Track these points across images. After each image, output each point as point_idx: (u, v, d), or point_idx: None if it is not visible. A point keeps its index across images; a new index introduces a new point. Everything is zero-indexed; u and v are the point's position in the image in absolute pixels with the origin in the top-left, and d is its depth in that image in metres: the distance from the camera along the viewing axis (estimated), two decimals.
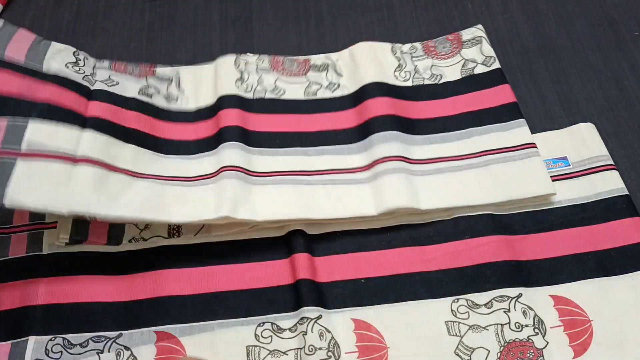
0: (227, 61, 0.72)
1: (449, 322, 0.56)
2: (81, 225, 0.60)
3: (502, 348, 0.54)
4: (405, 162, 0.63)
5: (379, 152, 0.64)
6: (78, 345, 0.55)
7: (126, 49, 0.78)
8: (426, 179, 0.63)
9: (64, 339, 0.55)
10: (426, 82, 0.71)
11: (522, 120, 0.67)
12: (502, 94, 0.69)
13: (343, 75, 0.72)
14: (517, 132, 0.66)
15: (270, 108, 0.69)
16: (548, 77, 0.73)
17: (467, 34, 0.74)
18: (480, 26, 0.75)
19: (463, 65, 0.72)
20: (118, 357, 0.55)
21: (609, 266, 0.58)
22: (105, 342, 0.55)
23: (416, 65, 0.73)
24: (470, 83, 0.71)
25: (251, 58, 0.73)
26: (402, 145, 0.65)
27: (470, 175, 0.63)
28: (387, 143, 0.64)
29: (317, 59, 0.74)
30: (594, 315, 0.56)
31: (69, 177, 0.55)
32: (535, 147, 0.64)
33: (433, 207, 0.61)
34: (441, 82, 0.71)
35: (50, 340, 0.55)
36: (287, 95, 0.70)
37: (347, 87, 0.71)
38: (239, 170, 0.62)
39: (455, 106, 0.69)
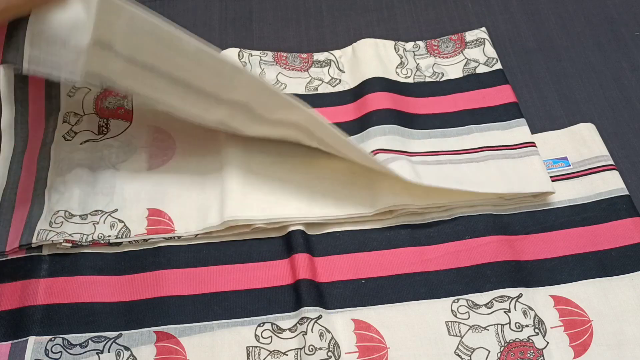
0: (230, 55, 0.72)
1: (449, 323, 0.56)
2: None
3: (502, 348, 0.54)
4: (404, 155, 0.63)
5: (375, 144, 0.64)
6: (78, 346, 0.55)
7: None
8: (424, 168, 0.63)
9: (63, 339, 0.55)
10: (427, 79, 0.72)
11: (522, 120, 0.67)
12: (503, 94, 0.69)
13: (345, 71, 0.73)
14: (517, 131, 0.66)
15: None
16: (548, 77, 0.73)
17: (470, 35, 0.75)
18: (484, 29, 0.75)
19: (465, 65, 0.72)
20: (118, 358, 0.55)
21: (610, 266, 0.58)
22: (105, 342, 0.55)
23: (418, 63, 0.73)
24: (472, 82, 0.71)
25: (254, 52, 0.73)
26: (400, 138, 0.65)
27: (469, 168, 0.63)
28: (384, 136, 0.64)
29: (320, 55, 0.74)
30: (594, 315, 0.56)
31: None
32: (535, 146, 0.64)
33: (430, 203, 0.61)
34: (442, 79, 0.72)
35: (50, 340, 0.55)
36: (288, 90, 0.71)
37: (348, 82, 0.72)
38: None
39: (456, 103, 0.69)
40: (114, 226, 0.61)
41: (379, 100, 0.68)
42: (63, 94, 0.69)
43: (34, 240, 0.58)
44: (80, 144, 0.66)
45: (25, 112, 0.67)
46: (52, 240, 0.59)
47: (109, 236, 0.60)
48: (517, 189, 0.61)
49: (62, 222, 0.60)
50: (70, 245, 0.60)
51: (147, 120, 0.69)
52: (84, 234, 0.60)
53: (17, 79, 0.66)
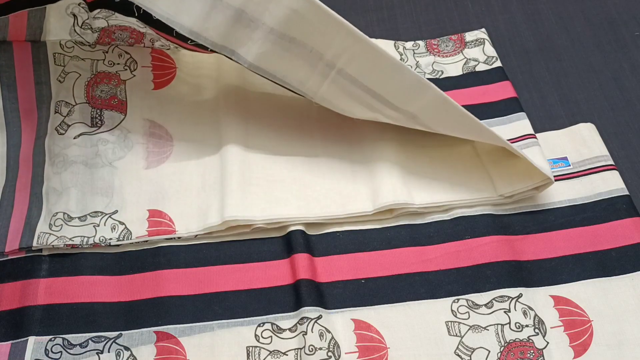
0: None
1: (449, 323, 0.56)
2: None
3: (502, 348, 0.54)
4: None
5: None
6: (78, 346, 0.55)
7: None
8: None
9: (63, 339, 0.55)
10: (427, 76, 0.72)
11: (523, 114, 0.67)
12: (502, 90, 0.69)
13: None
14: (517, 124, 0.66)
15: None
16: (548, 77, 0.73)
17: (470, 35, 0.75)
18: (484, 30, 0.75)
19: (465, 63, 0.72)
20: (118, 358, 0.54)
21: (609, 266, 0.58)
22: (105, 342, 0.55)
23: (418, 61, 0.73)
24: (472, 79, 0.71)
25: None
26: None
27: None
28: None
29: None
30: (594, 315, 0.56)
31: None
32: (535, 137, 0.64)
33: (428, 202, 0.61)
34: (442, 77, 0.72)
35: (50, 340, 0.55)
36: None
37: None
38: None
39: (456, 100, 0.69)
40: (114, 228, 0.61)
41: None
42: (53, 79, 0.68)
43: (34, 244, 0.58)
44: (74, 137, 0.66)
45: (15, 98, 0.66)
46: (53, 245, 0.59)
47: (110, 239, 0.60)
48: (515, 182, 0.61)
49: (62, 224, 0.60)
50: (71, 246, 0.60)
51: (141, 113, 0.68)
52: (84, 237, 0.60)
53: (2, 61, 0.65)
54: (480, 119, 0.67)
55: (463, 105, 0.68)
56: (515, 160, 0.62)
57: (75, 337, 0.55)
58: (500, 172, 0.63)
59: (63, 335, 0.55)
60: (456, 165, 0.64)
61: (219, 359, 0.55)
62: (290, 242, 0.60)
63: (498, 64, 0.72)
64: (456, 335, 0.55)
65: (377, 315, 0.57)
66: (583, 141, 0.66)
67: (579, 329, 0.55)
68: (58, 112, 0.66)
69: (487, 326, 0.55)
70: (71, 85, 0.68)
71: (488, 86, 0.70)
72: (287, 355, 0.55)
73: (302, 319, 0.55)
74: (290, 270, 0.59)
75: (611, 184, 0.63)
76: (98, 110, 0.67)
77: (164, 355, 0.55)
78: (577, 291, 0.57)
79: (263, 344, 0.55)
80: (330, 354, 0.54)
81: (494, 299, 0.57)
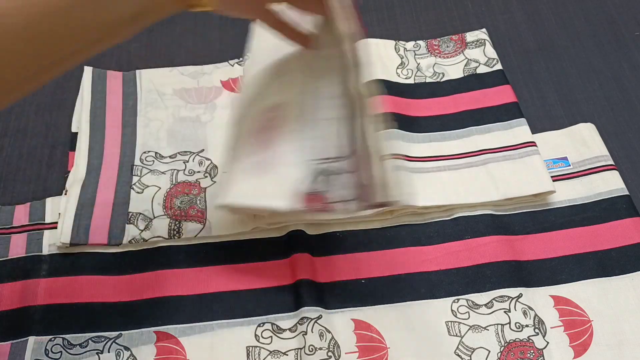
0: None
1: (449, 322, 0.56)
2: (82, 228, 0.60)
3: (502, 348, 0.54)
4: (404, 160, 0.63)
5: None
6: (78, 346, 0.55)
7: (126, 49, 0.78)
8: (424, 177, 0.63)
9: (63, 339, 0.55)
10: (428, 79, 0.72)
11: (523, 120, 0.67)
12: (503, 94, 0.69)
13: None
14: (517, 131, 0.66)
15: None
16: (548, 77, 0.73)
17: (471, 36, 0.75)
18: (484, 30, 0.75)
19: (466, 65, 0.72)
20: (118, 358, 0.55)
21: (609, 266, 0.58)
22: (105, 342, 0.55)
23: (419, 63, 0.73)
24: (472, 82, 0.71)
25: None
26: (401, 143, 0.65)
27: (469, 174, 0.63)
28: (386, 142, 0.64)
29: None
30: (594, 315, 0.56)
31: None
32: (535, 145, 0.64)
33: (430, 204, 0.61)
34: (443, 80, 0.71)
35: (50, 340, 0.55)
36: None
37: None
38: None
39: (457, 104, 0.69)
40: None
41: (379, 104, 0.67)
42: None
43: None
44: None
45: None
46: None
47: None
48: (515, 193, 0.61)
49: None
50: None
51: None
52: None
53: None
54: (481, 124, 0.67)
55: (463, 111, 0.69)
56: (517, 168, 0.62)
57: (75, 337, 0.55)
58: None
59: (63, 335, 0.55)
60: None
61: (219, 359, 0.55)
62: (290, 242, 0.60)
63: (499, 66, 0.72)
64: (456, 335, 0.55)
65: (377, 315, 0.57)
66: (583, 141, 0.66)
67: (579, 329, 0.55)
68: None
69: (487, 326, 0.55)
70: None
71: (488, 90, 0.70)
72: (287, 355, 0.55)
73: (302, 319, 0.55)
74: (290, 270, 0.59)
75: (611, 184, 0.63)
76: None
77: (164, 355, 0.55)
78: (577, 291, 0.57)
79: (263, 344, 0.55)
80: (330, 354, 0.54)
81: (494, 299, 0.57)
